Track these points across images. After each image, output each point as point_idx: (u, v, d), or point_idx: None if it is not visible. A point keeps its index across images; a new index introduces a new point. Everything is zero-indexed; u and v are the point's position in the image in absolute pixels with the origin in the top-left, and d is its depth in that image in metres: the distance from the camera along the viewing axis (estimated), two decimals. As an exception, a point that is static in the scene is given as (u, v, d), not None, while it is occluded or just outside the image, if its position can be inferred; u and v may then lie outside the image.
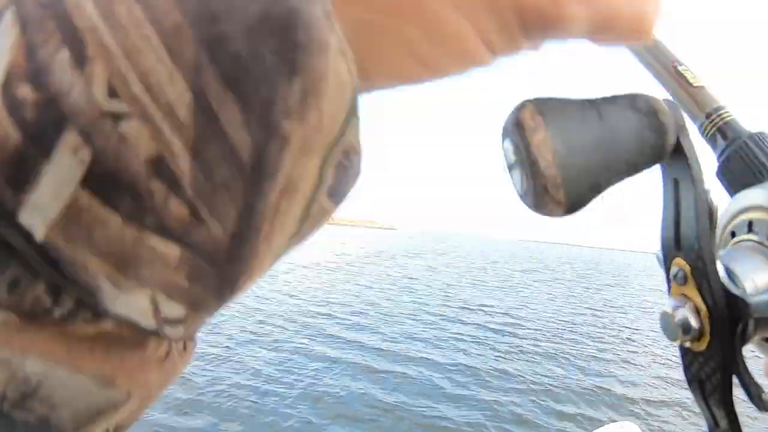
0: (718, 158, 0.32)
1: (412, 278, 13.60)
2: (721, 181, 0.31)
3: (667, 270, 0.21)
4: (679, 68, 0.35)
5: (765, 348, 0.24)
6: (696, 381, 0.21)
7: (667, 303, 0.21)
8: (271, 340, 6.15)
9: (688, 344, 0.20)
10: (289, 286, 10.46)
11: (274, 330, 6.62)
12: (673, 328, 0.20)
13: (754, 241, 0.24)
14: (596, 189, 0.16)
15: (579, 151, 0.15)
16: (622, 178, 0.17)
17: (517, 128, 0.16)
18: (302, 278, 11.61)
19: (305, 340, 6.24)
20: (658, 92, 0.33)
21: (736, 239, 0.26)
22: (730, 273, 0.21)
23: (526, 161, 0.15)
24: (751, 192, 0.26)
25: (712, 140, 0.33)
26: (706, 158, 0.25)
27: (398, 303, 9.33)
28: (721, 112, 0.33)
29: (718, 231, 0.27)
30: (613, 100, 0.17)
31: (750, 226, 0.25)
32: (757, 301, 0.19)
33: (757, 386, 0.19)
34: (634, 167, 0.17)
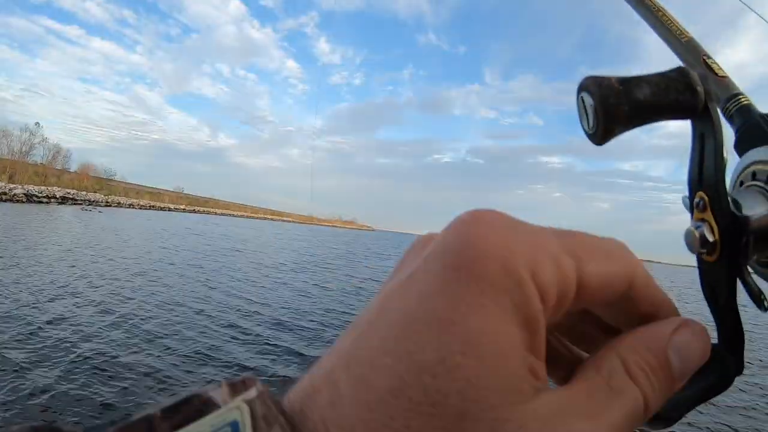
0: (735, 134, 0.40)
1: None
2: (737, 152, 0.39)
3: (691, 201, 0.27)
4: (708, 61, 0.45)
5: (763, 272, 0.30)
6: (708, 287, 0.26)
7: (690, 224, 0.27)
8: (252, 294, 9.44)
9: (705, 256, 0.26)
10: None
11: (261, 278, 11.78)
12: (694, 241, 0.26)
13: (756, 185, 0.32)
14: (641, 121, 0.24)
15: (636, 92, 0.23)
16: (662, 120, 0.25)
17: (594, 80, 0.23)
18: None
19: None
20: None
21: (743, 185, 0.33)
22: (736, 204, 0.27)
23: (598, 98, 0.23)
24: (755, 150, 0.34)
25: (731, 119, 0.41)
26: (726, 133, 1.51)
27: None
28: (740, 97, 0.42)
29: (730, 181, 0.34)
30: (661, 73, 0.24)
31: (754, 175, 0.32)
32: (753, 221, 0.26)
33: (759, 290, 0.25)
34: (671, 115, 0.24)
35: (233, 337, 6.10)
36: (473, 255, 0.14)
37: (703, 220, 0.26)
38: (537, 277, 0.15)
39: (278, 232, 51.07)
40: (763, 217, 0.27)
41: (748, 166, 0.33)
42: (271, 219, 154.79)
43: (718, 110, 0.25)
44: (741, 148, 0.37)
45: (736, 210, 0.26)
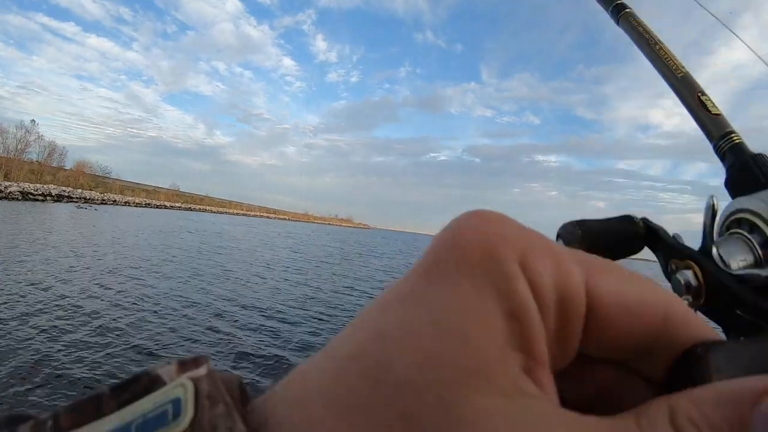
0: (726, 171, 0.42)
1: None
2: (727, 189, 0.41)
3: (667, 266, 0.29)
4: (702, 98, 0.47)
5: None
6: None
7: (679, 273, 0.29)
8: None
9: (690, 300, 0.27)
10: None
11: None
12: (679, 286, 0.28)
13: (739, 233, 0.33)
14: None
15: (592, 239, 0.29)
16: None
17: (564, 227, 0.29)
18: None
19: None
20: (686, 116, 0.48)
21: (729, 231, 0.35)
22: (721, 254, 0.29)
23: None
24: (739, 199, 0.35)
25: (723, 157, 0.43)
26: (718, 171, 0.42)
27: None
28: (731, 135, 0.43)
29: (718, 224, 0.35)
30: (614, 219, 0.29)
31: (739, 223, 0.34)
32: (738, 273, 0.28)
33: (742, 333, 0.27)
34: (622, 255, 0.27)
35: (211, 331, 6.17)
36: (458, 241, 0.14)
37: (689, 266, 0.29)
38: (527, 265, 0.13)
39: (273, 230, 50.85)
40: (743, 265, 0.31)
41: (733, 213, 0.35)
42: (267, 217, 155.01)
43: (666, 234, 0.29)
44: (731, 188, 0.40)
45: (720, 260, 0.29)
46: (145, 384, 0.13)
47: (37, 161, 74.33)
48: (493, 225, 0.14)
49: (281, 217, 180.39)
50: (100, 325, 5.93)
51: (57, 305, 6.65)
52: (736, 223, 0.35)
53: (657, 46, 0.54)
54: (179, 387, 0.12)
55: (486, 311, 0.12)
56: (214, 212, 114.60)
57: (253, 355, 5.50)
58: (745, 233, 0.33)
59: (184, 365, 0.13)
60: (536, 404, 0.12)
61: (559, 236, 0.31)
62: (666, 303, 0.15)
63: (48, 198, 54.43)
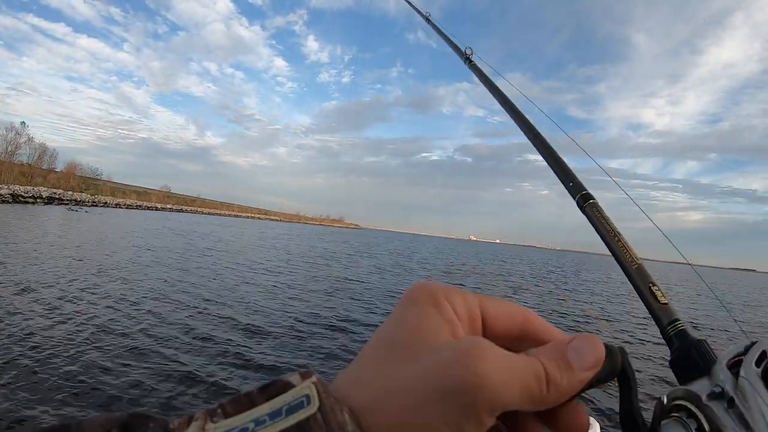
0: (671, 354, 0.48)
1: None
2: (672, 369, 0.47)
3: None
4: (653, 288, 0.53)
5: None
6: None
7: None
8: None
9: None
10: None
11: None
12: None
13: (678, 417, 0.38)
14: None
15: None
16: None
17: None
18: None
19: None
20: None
21: (671, 414, 0.39)
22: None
23: None
24: (680, 388, 0.40)
25: (669, 342, 0.50)
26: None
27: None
28: (677, 323, 0.50)
29: (664, 406, 0.40)
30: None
31: (678, 408, 0.39)
32: None
33: None
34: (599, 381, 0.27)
35: (191, 333, 6.30)
36: (413, 294, 0.26)
37: None
38: (449, 300, 0.25)
39: (262, 230, 51.36)
40: None
41: (675, 398, 0.40)
42: (258, 218, 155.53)
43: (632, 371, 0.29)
44: (675, 369, 0.47)
45: None
46: (282, 385, 0.21)
47: (27, 163, 74.25)
48: (432, 284, 0.26)
49: (273, 217, 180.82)
50: (92, 326, 6.08)
51: (51, 308, 6.77)
52: (676, 407, 0.40)
53: (616, 238, 0.61)
54: (307, 387, 0.21)
55: (436, 319, 0.24)
56: (206, 213, 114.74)
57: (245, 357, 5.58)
58: (683, 418, 0.38)
59: (303, 375, 0.22)
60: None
61: None
62: (523, 311, 0.27)
63: (38, 200, 54.65)
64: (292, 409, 0.20)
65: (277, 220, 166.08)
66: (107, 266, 11.34)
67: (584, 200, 0.70)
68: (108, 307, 7.31)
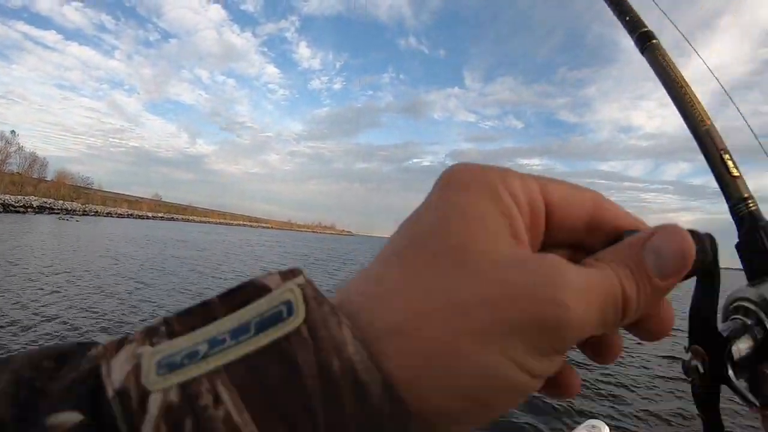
0: (739, 235, 0.44)
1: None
2: (737, 251, 0.43)
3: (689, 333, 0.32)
4: (725, 157, 0.47)
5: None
6: (698, 398, 0.32)
7: (685, 355, 0.33)
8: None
9: (697, 380, 0.29)
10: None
11: None
12: (688, 369, 0.32)
13: (741, 319, 0.36)
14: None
15: None
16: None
17: None
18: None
19: None
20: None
21: (732, 316, 0.37)
22: (724, 339, 0.33)
23: None
24: (746, 288, 0.38)
25: (738, 221, 0.45)
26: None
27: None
28: (748, 201, 0.45)
29: (725, 306, 0.39)
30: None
31: (744, 311, 0.37)
32: (735, 355, 0.33)
33: (744, 396, 0.32)
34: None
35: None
36: (458, 176, 0.19)
37: (696, 351, 0.32)
38: (506, 184, 0.19)
39: (247, 238, 51.95)
40: (742, 350, 0.34)
41: (736, 300, 0.38)
42: (250, 225, 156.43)
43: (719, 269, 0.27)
44: (742, 253, 0.43)
45: (722, 339, 0.33)
46: (253, 291, 0.15)
47: (17, 172, 75.18)
48: (480, 165, 0.20)
49: (264, 225, 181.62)
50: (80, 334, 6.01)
51: (44, 316, 6.69)
52: (742, 310, 0.37)
53: (683, 90, 0.51)
54: (288, 291, 0.15)
55: (492, 213, 0.18)
56: (197, 222, 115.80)
57: None
58: (749, 323, 0.36)
59: (285, 275, 0.16)
60: (535, 253, 0.19)
61: None
62: (594, 196, 0.21)
63: (29, 210, 55.65)
64: (264, 323, 0.14)
65: (268, 228, 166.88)
66: (83, 275, 11.07)
67: (644, 40, 0.58)
68: (81, 312, 7.22)
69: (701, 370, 0.32)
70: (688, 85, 0.52)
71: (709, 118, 0.49)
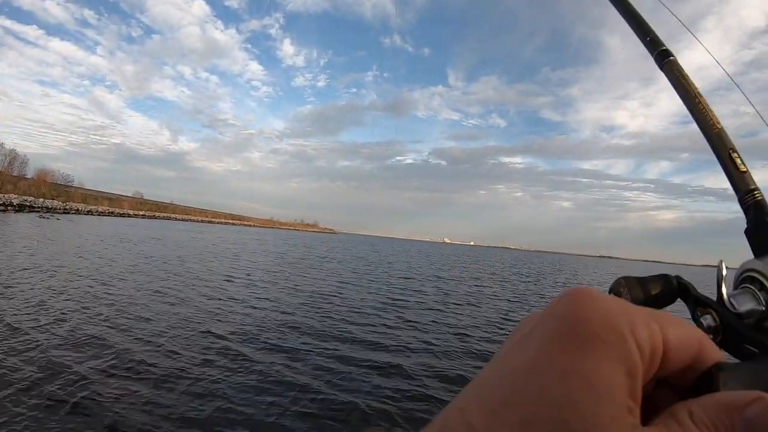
0: (747, 223, 0.49)
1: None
2: (747, 238, 0.48)
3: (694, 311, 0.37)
4: (733, 155, 0.53)
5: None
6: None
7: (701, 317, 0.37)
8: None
9: (711, 338, 0.29)
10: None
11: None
12: (703, 328, 0.36)
13: (748, 287, 0.40)
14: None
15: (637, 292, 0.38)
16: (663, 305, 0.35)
17: (617, 283, 0.38)
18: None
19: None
20: (717, 169, 0.54)
21: (741, 285, 0.41)
22: (733, 303, 0.37)
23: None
24: (756, 261, 0.42)
25: (746, 210, 0.50)
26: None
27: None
28: (755, 193, 0.50)
29: (734, 278, 0.43)
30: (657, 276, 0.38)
31: (751, 280, 0.41)
32: (744, 314, 0.37)
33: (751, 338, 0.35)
34: (666, 303, 0.31)
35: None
36: (582, 317, 0.19)
37: (709, 312, 0.36)
38: (635, 334, 0.19)
39: (235, 237, 51.38)
40: (749, 311, 0.38)
41: (748, 271, 0.42)
42: (232, 223, 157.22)
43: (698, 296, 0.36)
44: (750, 239, 0.48)
45: (731, 306, 0.37)
46: None
47: (-3, 171, 74.96)
48: (601, 300, 0.20)
49: (246, 223, 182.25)
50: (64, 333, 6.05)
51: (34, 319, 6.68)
52: (749, 279, 0.41)
53: (696, 99, 0.58)
54: None
55: (619, 378, 0.18)
56: (179, 220, 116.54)
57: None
58: (756, 289, 0.40)
59: None
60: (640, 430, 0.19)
61: (611, 290, 0.38)
62: (700, 336, 0.23)
63: (9, 208, 56.08)
64: None
65: (250, 226, 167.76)
66: (88, 275, 11.38)
67: (663, 57, 0.66)
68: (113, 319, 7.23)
69: (713, 324, 0.36)
70: (701, 95, 0.59)
71: (719, 122, 0.56)
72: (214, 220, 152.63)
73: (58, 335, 6.09)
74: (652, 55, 0.68)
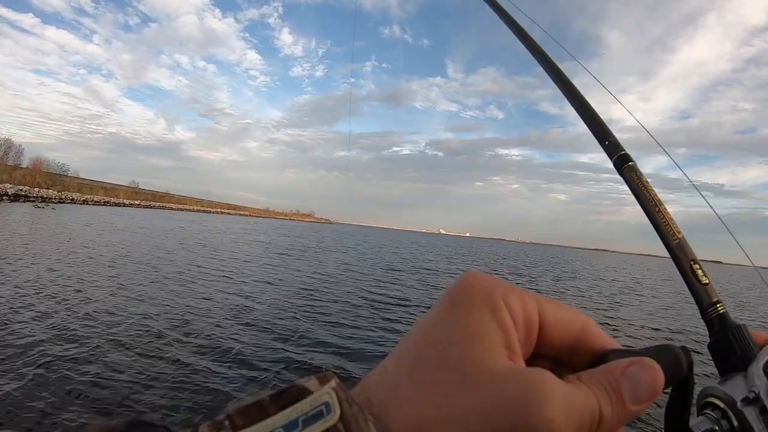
0: (710, 336, 0.48)
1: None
2: (710, 350, 0.47)
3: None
4: (694, 266, 0.51)
5: None
6: None
7: None
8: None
9: None
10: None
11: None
12: None
13: (710, 414, 0.40)
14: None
15: None
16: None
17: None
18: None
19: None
20: (680, 281, 0.52)
21: (703, 411, 0.41)
22: None
23: None
24: (716, 388, 0.41)
25: (709, 324, 0.49)
26: (704, 335, 0.48)
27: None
28: (717, 306, 0.49)
29: (697, 401, 0.42)
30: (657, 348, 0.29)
31: (712, 406, 0.41)
32: None
33: None
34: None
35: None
36: (465, 290, 0.23)
37: None
38: (507, 302, 0.23)
39: (231, 227, 51.12)
40: None
41: (706, 396, 0.42)
42: (228, 213, 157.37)
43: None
44: (713, 352, 0.47)
45: None
46: (297, 392, 0.19)
47: (-8, 160, 74.82)
48: (484, 279, 0.24)
49: (243, 213, 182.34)
50: (55, 325, 6.13)
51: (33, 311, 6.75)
52: (711, 405, 0.40)
53: (656, 208, 0.57)
54: (326, 394, 0.19)
55: (492, 329, 0.22)
56: (174, 209, 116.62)
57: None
58: (718, 417, 0.39)
59: (321, 379, 0.20)
60: (524, 366, 0.22)
61: None
62: (583, 320, 0.26)
63: (4, 198, 56.29)
64: (309, 420, 0.18)
65: (246, 215, 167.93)
66: (80, 266, 11.36)
67: (622, 162, 0.65)
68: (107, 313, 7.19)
69: None
70: (661, 203, 0.57)
71: (680, 232, 0.54)
72: (210, 209, 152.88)
73: (46, 323, 6.32)
74: (611, 159, 0.68)
